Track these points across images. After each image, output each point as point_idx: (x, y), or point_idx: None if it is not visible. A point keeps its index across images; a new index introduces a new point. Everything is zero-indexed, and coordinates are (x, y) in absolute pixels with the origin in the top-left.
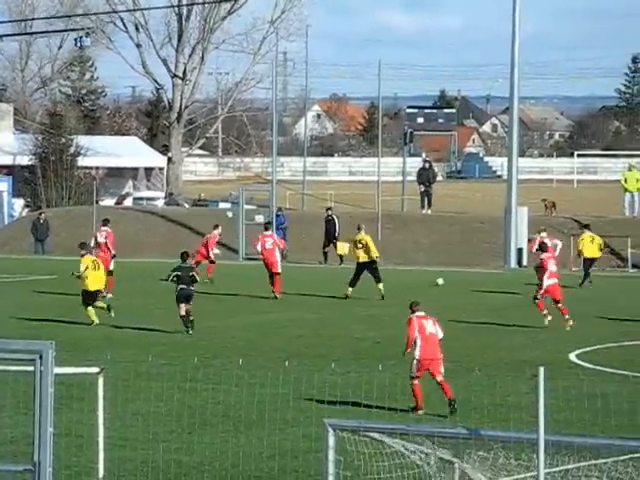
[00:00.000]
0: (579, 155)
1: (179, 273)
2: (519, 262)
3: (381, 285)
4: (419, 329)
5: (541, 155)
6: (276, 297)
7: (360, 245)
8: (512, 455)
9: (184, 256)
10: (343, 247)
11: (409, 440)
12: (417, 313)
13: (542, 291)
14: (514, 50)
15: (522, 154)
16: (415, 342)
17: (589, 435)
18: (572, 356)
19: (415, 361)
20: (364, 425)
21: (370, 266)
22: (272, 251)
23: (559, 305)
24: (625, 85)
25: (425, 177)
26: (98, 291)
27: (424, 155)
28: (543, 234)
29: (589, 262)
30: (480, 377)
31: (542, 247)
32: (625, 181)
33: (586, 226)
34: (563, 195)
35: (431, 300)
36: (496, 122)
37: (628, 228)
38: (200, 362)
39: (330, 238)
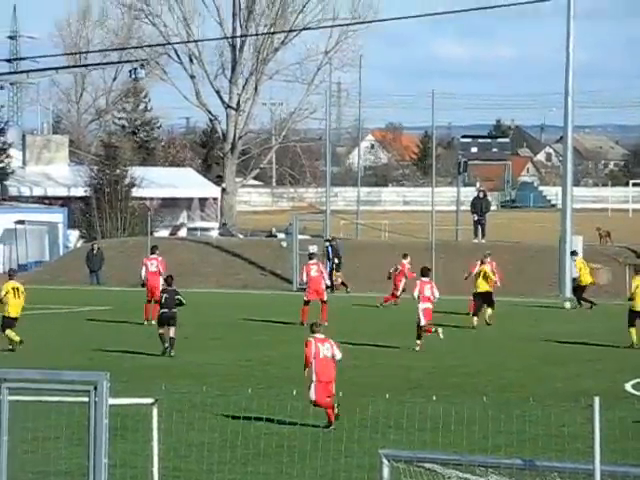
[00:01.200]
0: (634, 184)
1: (166, 296)
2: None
3: (490, 311)
4: (315, 352)
5: (596, 184)
6: (323, 325)
7: (479, 273)
8: None
9: (168, 280)
10: (338, 277)
11: (463, 471)
12: (316, 335)
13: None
14: (568, 79)
15: (577, 183)
16: (311, 364)
17: None
18: (628, 386)
19: (312, 384)
20: (418, 455)
21: (487, 296)
22: (318, 279)
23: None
24: None
25: (479, 206)
26: (16, 318)
27: (478, 185)
28: (487, 259)
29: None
30: (535, 407)
31: (422, 272)
32: None
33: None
34: (618, 224)
35: (490, 328)
36: (550, 151)
37: None
38: (254, 392)
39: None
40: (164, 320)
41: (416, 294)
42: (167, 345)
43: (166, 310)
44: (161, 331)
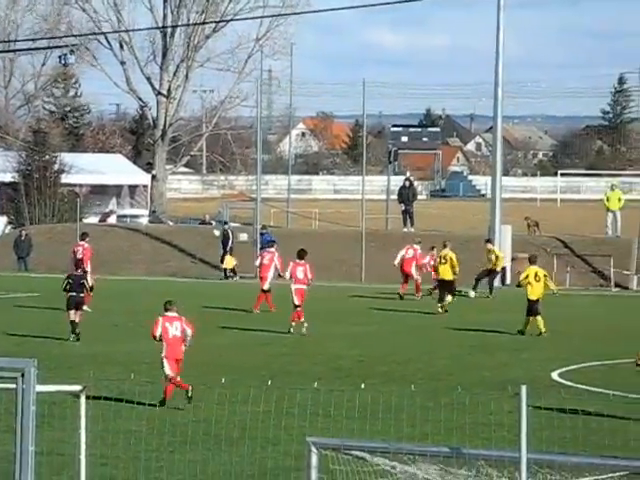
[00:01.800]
0: (562, 174)
1: (70, 281)
2: (503, 281)
3: (449, 298)
4: (163, 330)
5: (525, 174)
6: (252, 311)
7: (444, 261)
8: (494, 473)
9: (78, 264)
10: (231, 261)
11: (391, 459)
12: (167, 313)
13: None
14: (498, 69)
15: (506, 173)
16: (162, 342)
17: (571, 453)
18: (554, 375)
19: (164, 360)
20: (346, 443)
21: (448, 283)
22: (267, 267)
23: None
24: (610, 105)
25: (405, 196)
26: None
27: (407, 174)
28: (416, 246)
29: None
30: (463, 395)
31: (298, 254)
32: (607, 200)
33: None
34: (546, 214)
35: (409, 317)
36: (480, 141)
37: (611, 247)
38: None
39: (225, 251)
40: (71, 304)
41: (287, 275)
42: (78, 331)
43: (74, 294)
44: (70, 318)
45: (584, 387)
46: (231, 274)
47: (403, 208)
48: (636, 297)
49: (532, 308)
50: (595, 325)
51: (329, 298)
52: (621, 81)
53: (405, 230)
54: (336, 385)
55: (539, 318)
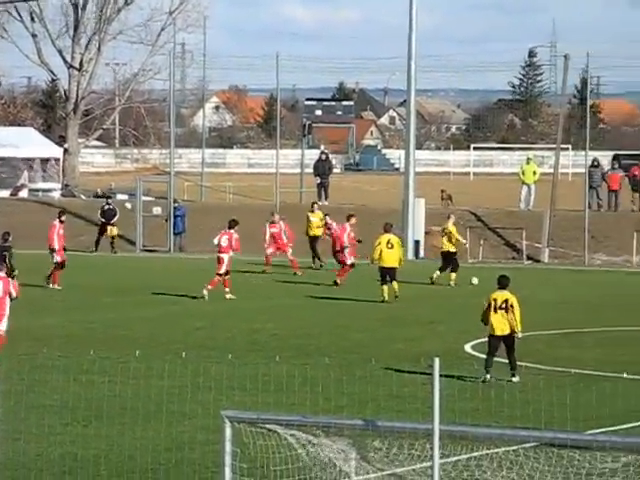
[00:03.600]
0: (475, 148)
1: None
2: (416, 254)
3: (454, 275)
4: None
5: (438, 148)
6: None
7: (444, 233)
8: (406, 445)
9: (5, 236)
10: (112, 230)
11: (305, 431)
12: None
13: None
14: (411, 43)
15: (419, 147)
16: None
17: (483, 425)
18: (467, 347)
19: None
20: (261, 417)
21: (451, 256)
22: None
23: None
24: (520, 79)
25: (321, 169)
26: None
27: (322, 147)
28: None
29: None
30: (376, 368)
31: (229, 224)
32: (523, 173)
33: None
34: (460, 187)
35: (319, 290)
36: (394, 115)
37: (523, 220)
38: (97, 355)
39: (107, 223)
40: None
41: (215, 241)
42: None
43: None
44: None
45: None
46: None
47: (318, 181)
48: (547, 269)
49: (385, 275)
50: None
51: (243, 272)
52: (531, 55)
53: (320, 203)
54: (251, 359)
55: (395, 284)
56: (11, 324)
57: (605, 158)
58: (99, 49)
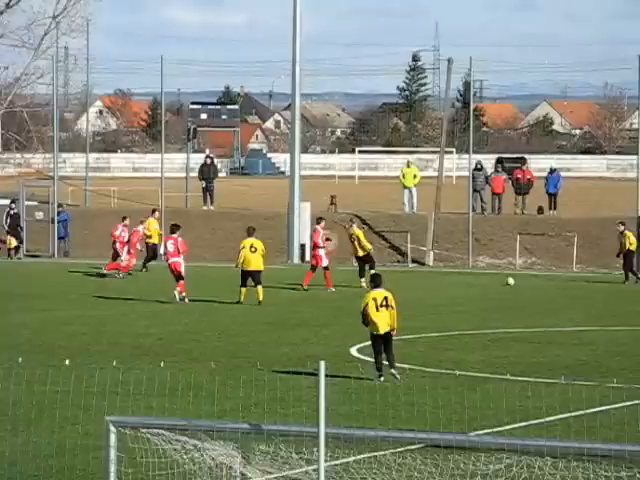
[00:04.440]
0: (360, 151)
1: None
2: (302, 258)
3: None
4: None
5: (323, 151)
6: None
7: (353, 239)
8: (293, 449)
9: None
10: (11, 241)
11: (190, 436)
12: None
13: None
14: (295, 47)
15: (305, 150)
16: None
17: (368, 427)
18: (353, 350)
19: None
20: (146, 422)
21: (366, 258)
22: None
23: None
24: (405, 82)
25: (206, 173)
26: None
27: (207, 151)
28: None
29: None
30: (262, 372)
31: (171, 229)
32: (403, 177)
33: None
34: (345, 191)
35: (218, 295)
36: (279, 118)
37: (408, 223)
38: None
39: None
40: None
41: (162, 250)
42: None
43: None
44: None
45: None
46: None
47: (204, 185)
48: (432, 272)
49: (246, 278)
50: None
51: (130, 276)
52: (415, 59)
53: (205, 208)
54: (136, 364)
55: (259, 289)
56: None
57: (488, 161)
58: None
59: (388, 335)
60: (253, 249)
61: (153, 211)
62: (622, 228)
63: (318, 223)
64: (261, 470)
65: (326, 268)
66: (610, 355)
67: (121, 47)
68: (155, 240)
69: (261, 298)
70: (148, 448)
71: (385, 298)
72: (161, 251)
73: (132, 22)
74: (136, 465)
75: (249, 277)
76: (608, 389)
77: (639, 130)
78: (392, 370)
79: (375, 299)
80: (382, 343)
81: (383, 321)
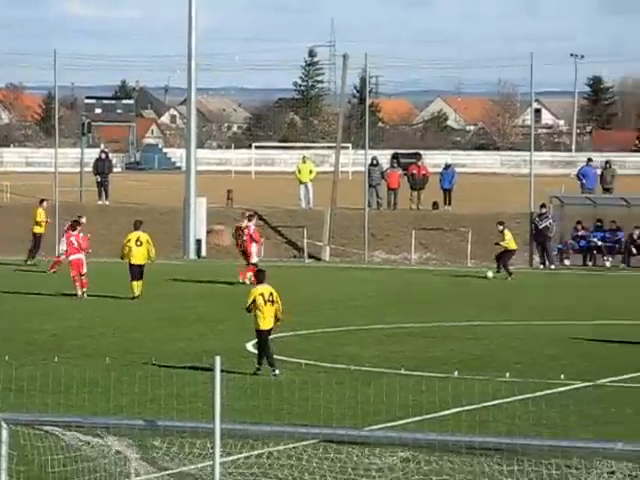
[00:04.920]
0: (257, 147)
1: None
2: (198, 253)
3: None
4: None
5: (220, 146)
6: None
7: (139, 243)
8: (188, 444)
9: None
10: None
11: (85, 432)
12: None
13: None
14: (191, 41)
15: (201, 145)
16: None
17: (264, 423)
18: (249, 345)
19: None
20: (39, 418)
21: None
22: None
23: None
24: (301, 78)
25: (101, 168)
26: None
27: (102, 146)
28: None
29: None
30: (157, 369)
31: (72, 225)
32: (299, 172)
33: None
34: (241, 186)
35: (113, 290)
36: (175, 113)
37: (304, 218)
38: None
39: None
40: None
41: (63, 247)
42: None
43: None
44: None
45: (277, 357)
46: None
47: (98, 180)
48: (328, 268)
49: (134, 272)
50: (290, 296)
51: (17, 273)
52: (311, 54)
53: (100, 203)
54: (29, 360)
55: (139, 282)
56: None
57: (384, 157)
58: None
59: (270, 331)
60: (139, 243)
61: (41, 201)
62: (501, 228)
63: (250, 220)
64: (156, 466)
65: (254, 265)
66: (504, 349)
67: (15, 40)
68: (42, 230)
69: (137, 293)
70: (41, 445)
71: (271, 294)
72: (62, 248)
73: (26, 15)
74: (28, 463)
75: (137, 270)
76: (501, 383)
77: (532, 127)
78: (272, 368)
79: (262, 294)
80: (267, 337)
81: (269, 317)
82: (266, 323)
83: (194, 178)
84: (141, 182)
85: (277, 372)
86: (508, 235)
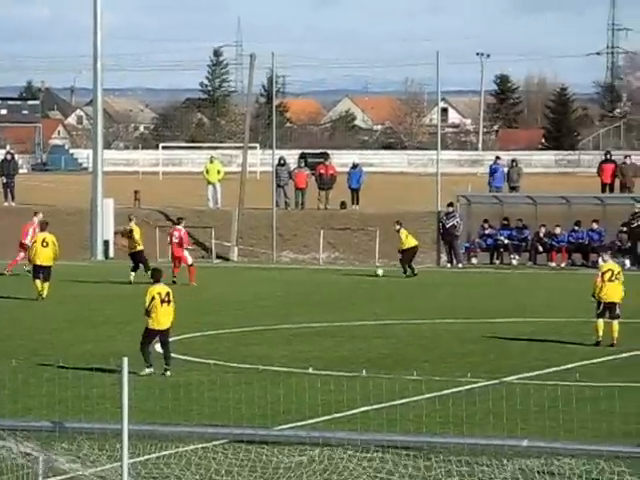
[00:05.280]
0: (164, 147)
1: None
2: (106, 254)
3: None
4: None
5: (127, 147)
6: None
7: (45, 244)
8: (96, 446)
9: None
10: None
11: None
12: None
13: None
14: (96, 42)
15: (108, 146)
16: None
17: (173, 424)
18: (157, 346)
19: None
20: None
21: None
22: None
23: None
24: (208, 78)
25: (7, 169)
26: None
27: (8, 147)
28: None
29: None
30: (65, 370)
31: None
32: (207, 172)
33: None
34: (148, 187)
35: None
36: (81, 114)
37: (212, 219)
38: None
39: None
40: None
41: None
42: None
43: None
44: None
45: (186, 358)
46: None
47: (4, 181)
48: (237, 268)
49: (38, 272)
50: (198, 297)
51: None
52: (217, 54)
53: (6, 204)
54: None
55: (46, 284)
56: None
57: (292, 157)
58: None
59: (167, 331)
60: (45, 244)
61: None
62: (397, 227)
63: (179, 223)
64: (64, 468)
65: (191, 265)
66: (412, 348)
67: None
68: None
69: (45, 294)
70: None
71: (167, 293)
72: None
73: None
74: None
75: (41, 271)
76: (409, 382)
77: (438, 126)
78: (166, 366)
79: (160, 294)
80: (159, 337)
81: (166, 316)
82: (163, 322)
83: (101, 179)
84: (47, 183)
85: (169, 373)
86: (404, 234)
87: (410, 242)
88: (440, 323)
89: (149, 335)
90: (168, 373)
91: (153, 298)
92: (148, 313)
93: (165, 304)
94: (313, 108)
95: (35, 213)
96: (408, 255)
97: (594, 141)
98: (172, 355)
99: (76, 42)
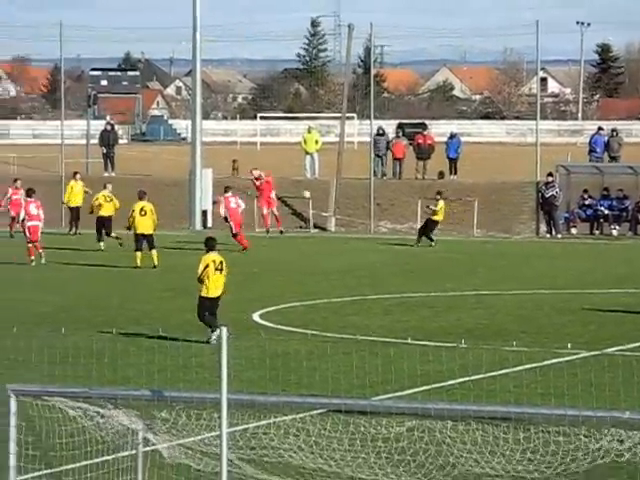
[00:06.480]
0: (262, 117)
1: None
2: (204, 224)
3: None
4: None
5: (225, 117)
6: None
7: (143, 212)
8: (194, 415)
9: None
10: None
11: (92, 403)
12: None
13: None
14: (195, 12)
15: (206, 117)
16: None
17: (270, 393)
18: (255, 316)
19: None
20: (47, 389)
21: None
22: (236, 210)
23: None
24: (305, 48)
25: (107, 139)
26: None
27: (108, 118)
28: (228, 194)
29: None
30: (164, 339)
31: (27, 193)
32: (305, 142)
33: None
34: (247, 157)
35: (118, 261)
36: (180, 85)
37: (309, 189)
38: None
39: None
40: None
41: (22, 215)
42: None
43: None
44: None
45: (284, 327)
46: None
47: (104, 152)
48: (334, 237)
49: (140, 241)
50: (295, 266)
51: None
52: (314, 24)
53: (106, 174)
54: (36, 331)
55: (153, 252)
56: None
57: (390, 127)
58: None
59: (218, 299)
60: (143, 212)
61: (74, 174)
62: (438, 197)
63: (226, 192)
64: (163, 437)
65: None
66: (510, 319)
67: (21, 11)
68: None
69: (156, 262)
70: (49, 416)
71: (221, 262)
72: (22, 215)
73: None
74: (37, 434)
75: (143, 240)
76: (508, 352)
77: (537, 95)
78: (212, 334)
79: (214, 261)
80: (211, 306)
81: (218, 284)
82: (217, 290)
83: (200, 149)
84: (146, 153)
85: (214, 339)
86: (440, 204)
87: (440, 216)
88: (539, 294)
89: (203, 304)
90: (213, 340)
91: (207, 266)
92: (201, 280)
93: (218, 272)
94: (411, 78)
95: (15, 180)
96: (432, 226)
97: None
98: (269, 324)
99: (175, 13)
